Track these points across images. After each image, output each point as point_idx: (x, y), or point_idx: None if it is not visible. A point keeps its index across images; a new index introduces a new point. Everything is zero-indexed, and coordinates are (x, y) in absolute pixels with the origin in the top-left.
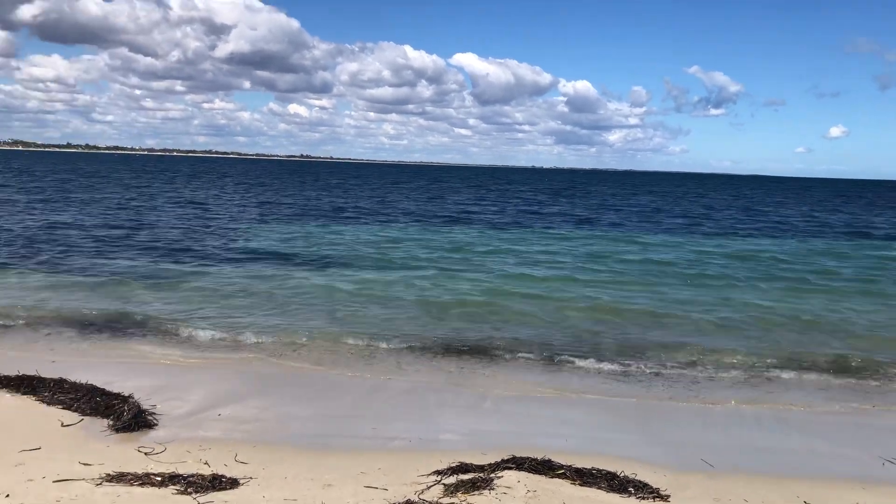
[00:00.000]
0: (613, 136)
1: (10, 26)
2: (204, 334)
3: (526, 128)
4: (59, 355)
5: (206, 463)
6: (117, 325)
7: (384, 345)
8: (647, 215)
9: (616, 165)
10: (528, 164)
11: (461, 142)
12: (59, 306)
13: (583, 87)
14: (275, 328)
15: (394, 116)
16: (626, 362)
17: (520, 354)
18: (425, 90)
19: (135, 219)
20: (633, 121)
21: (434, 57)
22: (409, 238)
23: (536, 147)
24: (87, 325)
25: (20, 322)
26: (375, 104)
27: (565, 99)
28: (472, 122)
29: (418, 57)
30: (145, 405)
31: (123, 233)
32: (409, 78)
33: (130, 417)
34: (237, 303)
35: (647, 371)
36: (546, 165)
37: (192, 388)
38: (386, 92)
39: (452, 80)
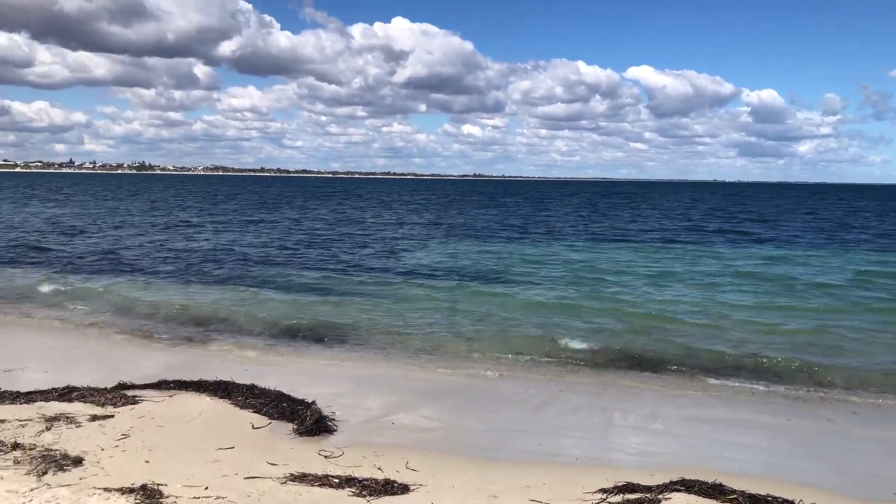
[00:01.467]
0: (803, 147)
1: (212, 62)
2: (378, 345)
3: (706, 140)
4: (250, 363)
5: (379, 468)
6: (299, 336)
7: (558, 358)
8: (829, 231)
9: (806, 178)
10: (709, 178)
11: (637, 156)
12: (248, 318)
13: (768, 95)
14: (444, 339)
15: (566, 133)
16: (803, 387)
17: (695, 374)
18: (599, 105)
19: (309, 238)
20: (825, 130)
21: (608, 71)
22: (567, 252)
23: (718, 160)
24: (273, 336)
25: (217, 331)
26: (547, 121)
27: (749, 109)
28: (648, 135)
29: (592, 72)
30: (326, 411)
31: (300, 250)
32: (582, 93)
33: (312, 423)
34: (410, 315)
35: (825, 396)
36: (729, 179)
37: (367, 396)
38: (558, 108)
39: (627, 94)
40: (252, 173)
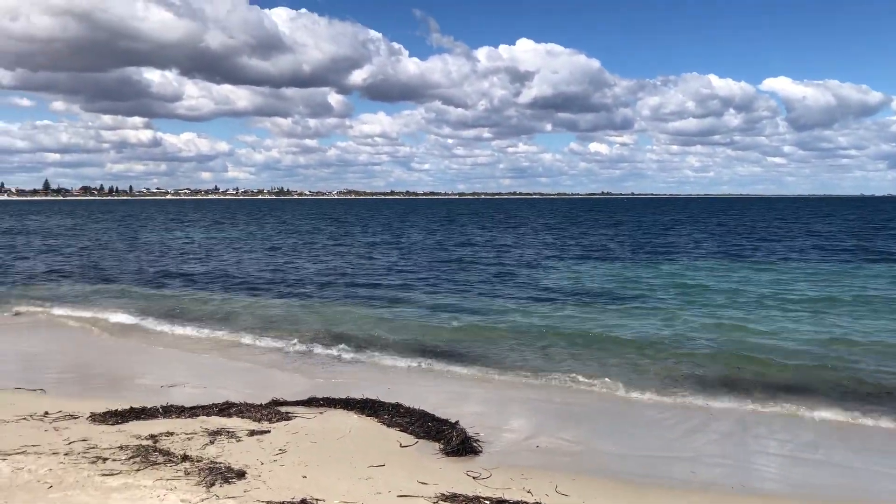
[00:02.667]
0: None
1: (345, 90)
2: (516, 366)
3: (852, 153)
4: (392, 382)
5: (528, 491)
6: (437, 355)
7: (699, 382)
8: None
9: None
10: (855, 192)
11: (774, 171)
12: (387, 337)
13: None
14: (580, 362)
15: (698, 148)
16: None
17: (865, 405)
18: (733, 119)
19: (439, 259)
20: None
21: (742, 84)
22: (693, 273)
23: (865, 173)
24: (413, 355)
25: (357, 349)
26: (678, 137)
27: None
28: (786, 149)
29: (724, 85)
30: (470, 432)
31: (431, 271)
32: (714, 108)
33: (458, 443)
34: (543, 337)
35: None
36: (878, 193)
37: (509, 417)
38: (690, 123)
39: (763, 107)
40: (382, 196)
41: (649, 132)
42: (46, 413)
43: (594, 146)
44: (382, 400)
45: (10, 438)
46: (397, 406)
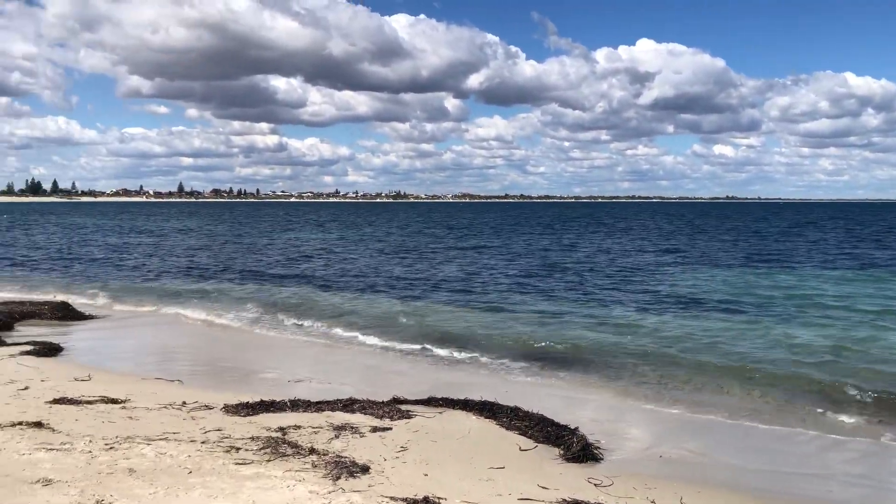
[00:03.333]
0: None
1: (462, 94)
2: (636, 374)
3: None
4: (508, 384)
5: (652, 501)
6: (553, 360)
7: (829, 398)
8: None
9: None
10: None
11: None
12: (502, 340)
13: None
14: (704, 371)
15: (832, 150)
16: None
17: None
18: (871, 119)
19: (554, 263)
20: None
21: (882, 82)
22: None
23: None
24: (527, 358)
25: (472, 350)
26: (809, 139)
27: None
28: None
29: (862, 84)
30: (590, 438)
31: (549, 275)
32: (850, 107)
33: (579, 449)
34: (665, 346)
35: None
36: None
37: (629, 426)
38: (822, 125)
39: None
40: (497, 199)
41: (778, 134)
42: (184, 403)
43: (718, 148)
44: (501, 403)
45: (153, 425)
46: (516, 409)
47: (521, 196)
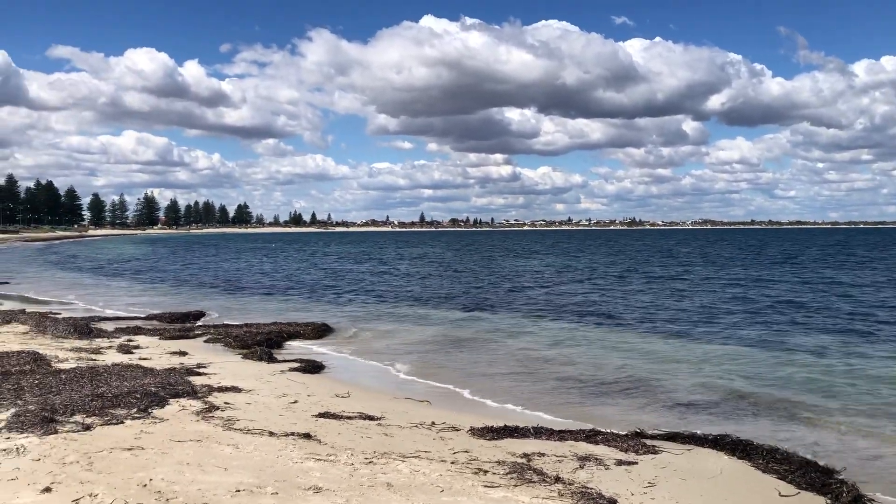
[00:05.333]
0: None
1: (701, 117)
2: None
3: None
4: (747, 423)
5: None
6: (794, 404)
7: None
8: None
9: None
10: None
11: None
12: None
13: None
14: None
15: None
16: None
17: None
18: None
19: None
20: None
21: None
22: None
23: None
24: (773, 402)
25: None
26: None
27: None
28: None
29: None
30: (863, 489)
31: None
32: None
33: (850, 500)
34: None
35: None
36: None
37: None
38: None
39: None
40: (741, 226)
41: None
42: (433, 423)
43: None
44: (755, 443)
45: (406, 443)
46: (773, 450)
47: (770, 222)
